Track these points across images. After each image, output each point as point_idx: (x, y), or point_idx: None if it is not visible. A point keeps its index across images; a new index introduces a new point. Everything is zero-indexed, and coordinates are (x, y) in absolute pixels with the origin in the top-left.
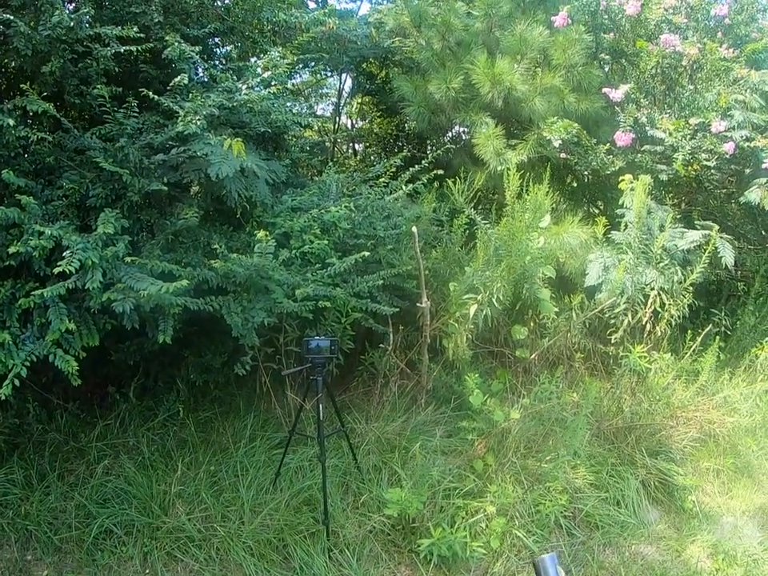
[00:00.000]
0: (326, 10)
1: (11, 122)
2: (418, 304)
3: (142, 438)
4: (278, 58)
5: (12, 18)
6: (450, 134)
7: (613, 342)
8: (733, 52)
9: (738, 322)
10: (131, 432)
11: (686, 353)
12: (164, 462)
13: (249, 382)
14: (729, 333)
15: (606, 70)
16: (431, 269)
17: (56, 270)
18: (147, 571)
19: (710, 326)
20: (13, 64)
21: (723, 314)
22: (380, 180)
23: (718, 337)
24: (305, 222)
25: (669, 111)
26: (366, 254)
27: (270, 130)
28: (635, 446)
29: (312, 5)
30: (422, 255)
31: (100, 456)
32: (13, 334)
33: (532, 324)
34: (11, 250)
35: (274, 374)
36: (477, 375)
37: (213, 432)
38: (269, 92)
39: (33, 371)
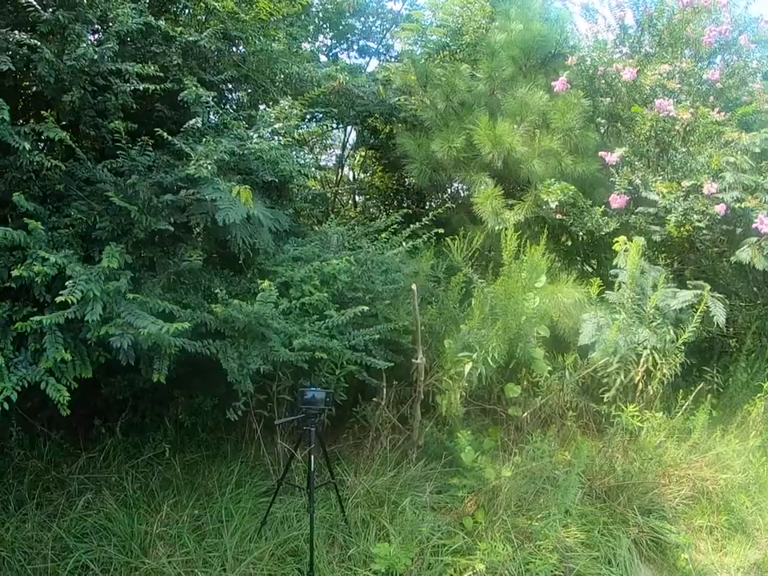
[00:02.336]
0: (338, 66)
1: (27, 145)
2: (413, 360)
3: (126, 474)
4: (288, 109)
5: (39, 43)
6: (449, 191)
7: (605, 400)
8: (724, 115)
9: (730, 379)
10: (114, 467)
11: (678, 411)
12: (147, 502)
13: (238, 427)
14: (721, 390)
15: (602, 132)
16: (427, 325)
17: (58, 299)
18: None
19: (702, 383)
20: (33, 89)
21: (715, 371)
22: (381, 235)
23: (710, 394)
24: (305, 272)
25: (662, 173)
26: (365, 308)
27: (276, 180)
28: (627, 504)
29: (323, 58)
30: (419, 312)
31: (81, 489)
32: (6, 356)
33: (525, 382)
34: (14, 272)
35: (264, 421)
36: (469, 432)
37: (198, 475)
38: (278, 142)
39: (19, 394)
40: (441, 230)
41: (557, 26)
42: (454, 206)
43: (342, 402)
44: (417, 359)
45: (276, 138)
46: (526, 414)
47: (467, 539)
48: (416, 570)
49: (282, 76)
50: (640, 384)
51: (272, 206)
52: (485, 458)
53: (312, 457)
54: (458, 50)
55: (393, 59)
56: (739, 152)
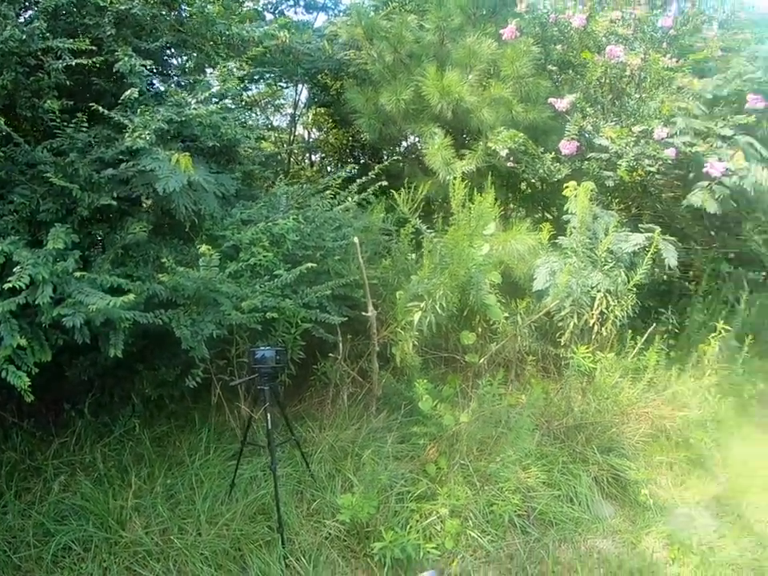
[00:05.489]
0: (277, 25)
1: None
2: (363, 313)
3: (98, 454)
4: (228, 72)
5: None
6: (405, 144)
7: (562, 344)
8: (677, 62)
9: (687, 320)
10: (87, 448)
11: (630, 351)
12: (120, 478)
13: (203, 395)
14: (677, 331)
15: (555, 80)
16: (380, 278)
17: (6, 286)
18: None
19: (655, 324)
20: None
21: (670, 312)
22: (327, 192)
23: (667, 335)
24: (253, 234)
25: (615, 120)
26: (311, 264)
27: (218, 144)
28: (586, 443)
29: (270, 16)
30: (371, 265)
31: (56, 473)
32: None
33: (480, 329)
34: None
35: (227, 387)
36: (426, 381)
37: (169, 446)
38: (218, 106)
39: None
40: (384, 183)
41: None
42: (408, 157)
43: (302, 361)
44: (368, 312)
45: (222, 101)
46: (482, 360)
47: (431, 485)
48: (382, 517)
49: (224, 39)
50: (595, 326)
51: (219, 171)
52: (444, 405)
53: (268, 415)
54: (407, 1)
55: (342, 14)
56: (691, 98)
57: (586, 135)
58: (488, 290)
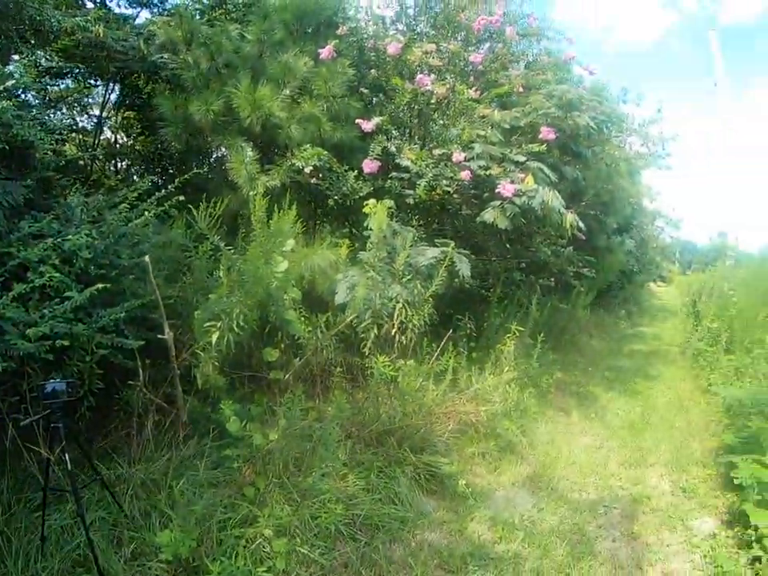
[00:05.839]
0: (91, 17)
1: None
2: (160, 336)
3: None
4: (34, 61)
5: None
6: (215, 155)
7: (366, 354)
8: (480, 94)
9: (485, 324)
10: None
11: (429, 356)
12: None
13: None
14: (476, 335)
15: (367, 102)
16: (179, 297)
17: None
18: None
19: (456, 330)
20: None
21: (468, 318)
22: (122, 205)
23: (466, 338)
24: (42, 251)
25: (419, 143)
26: (101, 286)
27: (7, 146)
28: (399, 446)
29: (90, 5)
30: (170, 283)
31: None
32: None
33: (284, 345)
34: None
35: (23, 427)
36: (232, 402)
37: None
38: (12, 102)
39: None
40: (183, 197)
41: None
42: (213, 171)
43: (101, 390)
44: (164, 334)
45: (22, 96)
46: (288, 375)
47: (251, 508)
48: (207, 549)
49: (34, 24)
50: (396, 335)
51: (8, 178)
52: (253, 425)
53: (66, 455)
54: (234, 9)
55: (167, 12)
56: (491, 127)
57: (390, 156)
58: (288, 305)
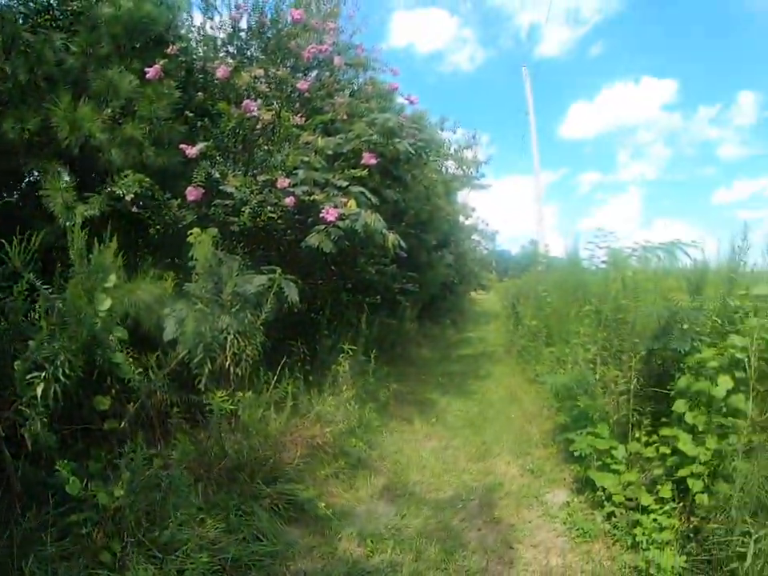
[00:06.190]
0: None
1: None
2: None
3: None
4: None
5: None
6: (27, 180)
7: (202, 390)
8: (306, 121)
9: (317, 347)
10: None
11: (268, 385)
12: None
13: None
14: (311, 357)
15: (192, 126)
16: None
17: None
18: None
19: (291, 356)
20: None
21: (300, 342)
22: None
23: (300, 363)
24: None
25: (243, 168)
26: None
27: None
28: (251, 480)
29: None
30: None
31: None
32: None
33: (115, 390)
34: None
35: None
36: (67, 461)
37: None
38: None
39: None
40: None
41: (170, 11)
42: (28, 199)
43: None
44: None
45: None
46: (124, 423)
47: (112, 575)
48: None
49: None
50: (231, 367)
51: None
52: (95, 483)
53: None
54: (61, 17)
55: None
56: (314, 153)
57: (214, 182)
58: (116, 347)
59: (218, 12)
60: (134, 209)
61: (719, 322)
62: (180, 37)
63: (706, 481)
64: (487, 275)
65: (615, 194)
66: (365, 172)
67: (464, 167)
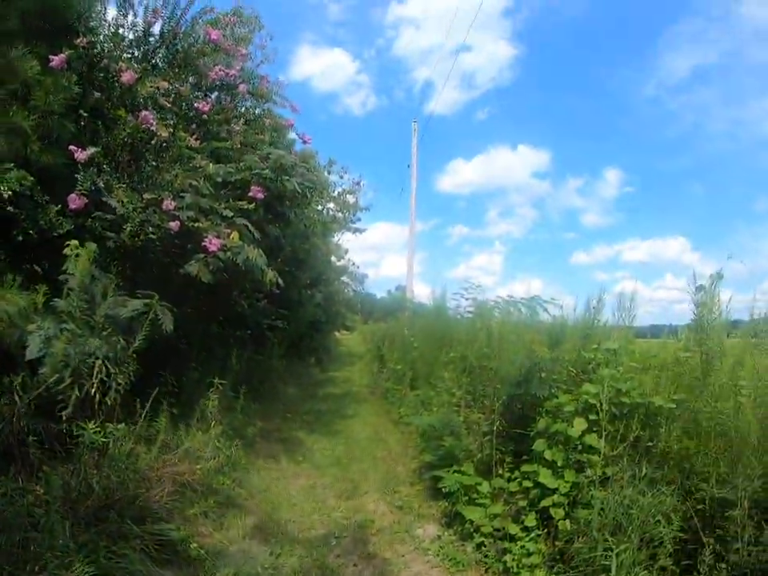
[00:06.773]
0: None
1: None
2: None
3: None
4: None
5: None
6: None
7: (64, 419)
8: (201, 143)
9: (184, 378)
10: None
11: (140, 418)
12: None
13: None
14: (178, 390)
15: (83, 126)
16: None
17: None
18: None
19: (159, 387)
20: None
21: (169, 374)
22: None
23: (169, 396)
24: None
25: (128, 182)
26: None
27: None
28: (120, 519)
29: None
30: None
31: None
32: None
33: None
34: None
35: None
36: None
37: None
38: None
39: None
40: None
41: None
42: None
43: None
44: None
45: None
46: None
47: None
48: None
49: None
50: (98, 396)
51: None
52: None
53: None
54: None
55: None
56: (204, 178)
57: (98, 192)
58: None
59: (133, 11)
60: (9, 209)
61: (575, 371)
62: (90, 29)
63: (567, 509)
64: (353, 316)
65: (482, 248)
66: (251, 205)
67: (344, 211)
